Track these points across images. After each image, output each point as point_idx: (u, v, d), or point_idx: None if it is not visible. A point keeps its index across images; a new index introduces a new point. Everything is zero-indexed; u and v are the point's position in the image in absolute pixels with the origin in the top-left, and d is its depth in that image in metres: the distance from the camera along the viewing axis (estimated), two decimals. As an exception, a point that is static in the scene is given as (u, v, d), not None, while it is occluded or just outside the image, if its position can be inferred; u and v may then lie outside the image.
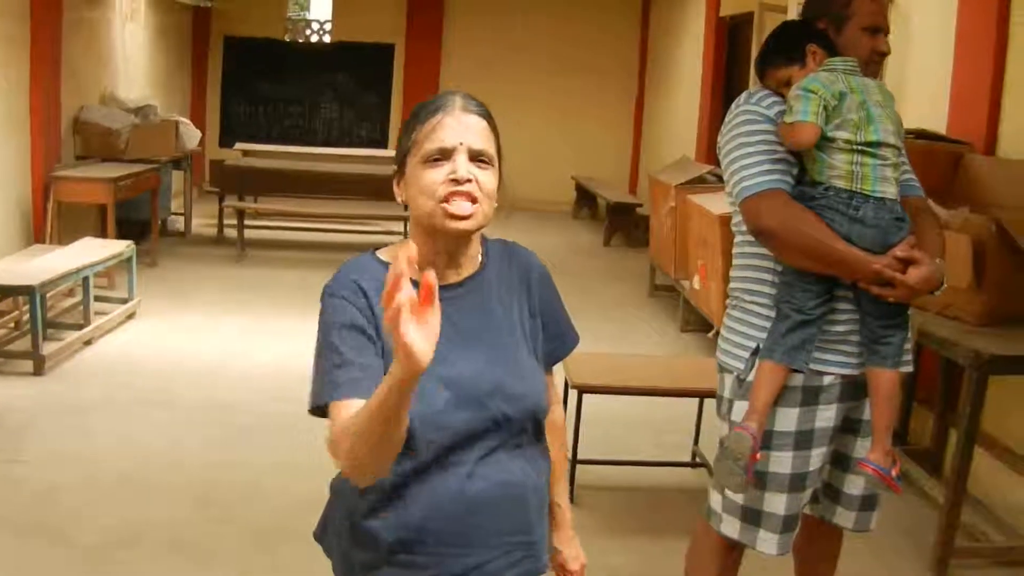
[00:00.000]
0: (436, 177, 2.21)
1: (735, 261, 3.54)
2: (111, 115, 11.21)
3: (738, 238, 3.51)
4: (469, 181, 2.20)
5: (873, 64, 3.47)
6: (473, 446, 2.22)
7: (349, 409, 2.06)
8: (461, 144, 2.22)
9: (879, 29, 3.46)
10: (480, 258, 2.38)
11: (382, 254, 2.35)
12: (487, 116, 2.31)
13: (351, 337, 2.18)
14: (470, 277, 2.34)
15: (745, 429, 3.24)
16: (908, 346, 3.39)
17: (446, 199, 2.20)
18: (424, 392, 2.13)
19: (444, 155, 2.22)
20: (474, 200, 2.21)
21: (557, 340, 2.50)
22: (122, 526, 4.95)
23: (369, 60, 17.15)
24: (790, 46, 3.42)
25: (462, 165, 2.21)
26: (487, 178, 2.25)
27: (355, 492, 2.25)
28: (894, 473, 3.28)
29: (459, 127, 2.24)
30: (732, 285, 3.54)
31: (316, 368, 2.20)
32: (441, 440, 2.17)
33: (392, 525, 2.22)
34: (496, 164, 2.29)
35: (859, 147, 3.21)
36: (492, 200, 2.27)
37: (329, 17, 17.41)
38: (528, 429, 2.33)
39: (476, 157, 2.24)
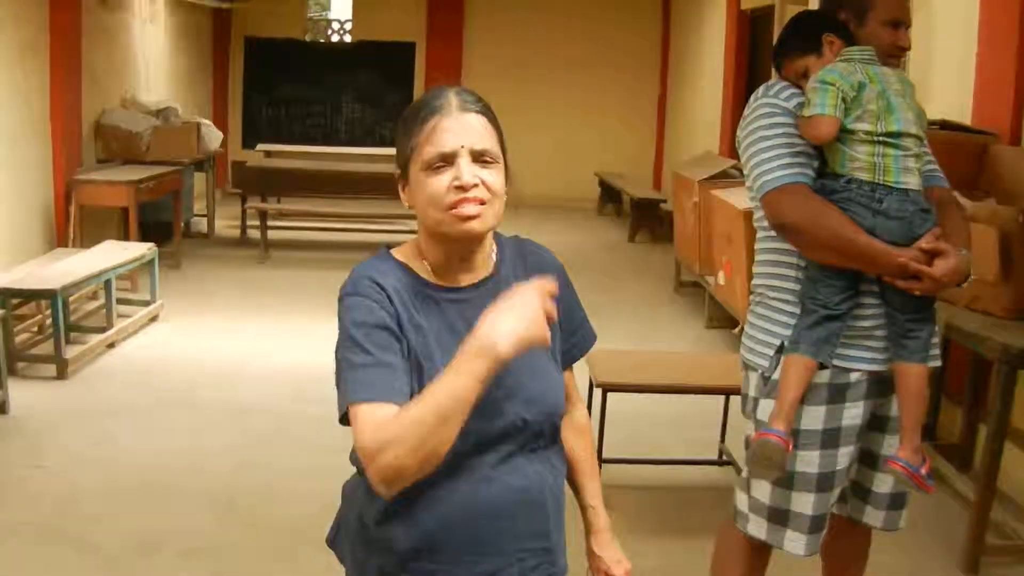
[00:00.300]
0: (440, 184, 2.13)
1: (758, 257, 3.49)
2: (132, 118, 11.22)
3: (760, 233, 3.46)
4: (476, 186, 2.13)
5: (893, 58, 3.42)
6: (489, 451, 2.17)
7: (379, 413, 2.00)
8: (462, 147, 2.13)
9: (900, 23, 3.40)
10: (494, 257, 2.31)
11: (397, 254, 2.29)
12: (486, 112, 2.21)
13: (377, 335, 2.11)
14: (484, 279, 2.28)
15: (770, 435, 3.18)
16: (936, 340, 3.33)
17: (453, 206, 2.13)
18: None
19: (446, 160, 2.13)
20: (482, 202, 2.14)
21: (575, 338, 2.44)
22: (143, 532, 4.93)
23: (390, 59, 17.13)
24: (807, 36, 3.38)
25: (466, 170, 2.12)
26: (493, 177, 2.17)
27: (368, 497, 2.21)
28: (924, 471, 3.22)
29: (458, 128, 2.14)
30: (755, 281, 3.48)
31: (340, 372, 2.13)
32: (458, 446, 2.10)
33: (406, 531, 2.18)
34: (501, 160, 2.21)
35: (880, 138, 3.16)
36: (501, 199, 2.20)
37: (349, 16, 17.40)
38: (545, 432, 2.27)
39: (479, 157, 2.15)
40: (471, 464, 2.15)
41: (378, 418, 1.99)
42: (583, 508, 2.49)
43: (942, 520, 5.19)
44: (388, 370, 2.08)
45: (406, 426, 1.93)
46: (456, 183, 2.12)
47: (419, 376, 2.13)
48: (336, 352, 2.15)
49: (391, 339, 2.12)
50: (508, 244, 2.37)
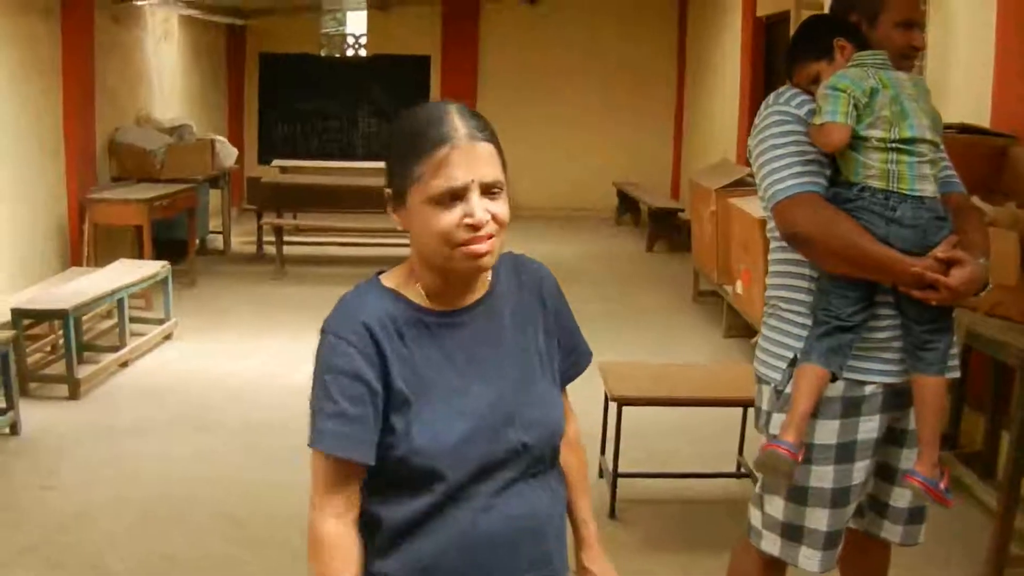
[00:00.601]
0: (449, 220, 2.03)
1: (771, 268, 3.42)
2: (146, 136, 11.22)
3: (773, 244, 3.39)
4: (487, 222, 2.04)
5: (907, 60, 3.35)
6: (490, 479, 2.11)
7: (333, 488, 2.08)
8: (473, 181, 2.03)
9: (913, 23, 3.34)
10: (489, 276, 2.24)
11: (387, 280, 2.21)
12: (493, 138, 2.10)
13: (348, 385, 2.06)
14: (480, 299, 2.21)
15: (779, 447, 3.11)
16: (954, 351, 3.25)
17: (464, 243, 2.04)
18: (439, 426, 2.06)
19: (456, 195, 2.03)
20: (491, 236, 2.06)
21: (572, 357, 2.37)
22: (156, 552, 4.89)
23: (406, 72, 17.07)
24: (818, 41, 3.32)
25: (478, 207, 2.03)
26: (501, 208, 2.07)
27: (365, 531, 2.15)
28: (943, 485, 3.14)
29: (468, 161, 2.03)
30: (769, 293, 3.42)
31: (311, 406, 2.11)
32: (457, 475, 2.06)
33: (403, 564, 2.11)
34: (505, 186, 2.11)
35: (894, 145, 3.08)
36: (506, 227, 2.11)
37: (364, 31, 17.38)
38: (546, 457, 2.21)
39: (488, 190, 2.05)
40: (471, 493, 2.09)
41: (329, 493, 2.08)
42: (575, 523, 2.42)
43: (965, 530, 5.10)
44: (351, 423, 2.05)
45: (320, 555, 2.07)
46: (468, 221, 2.03)
47: (406, 412, 2.08)
48: (312, 381, 2.12)
49: (363, 390, 2.07)
50: (502, 260, 2.28)
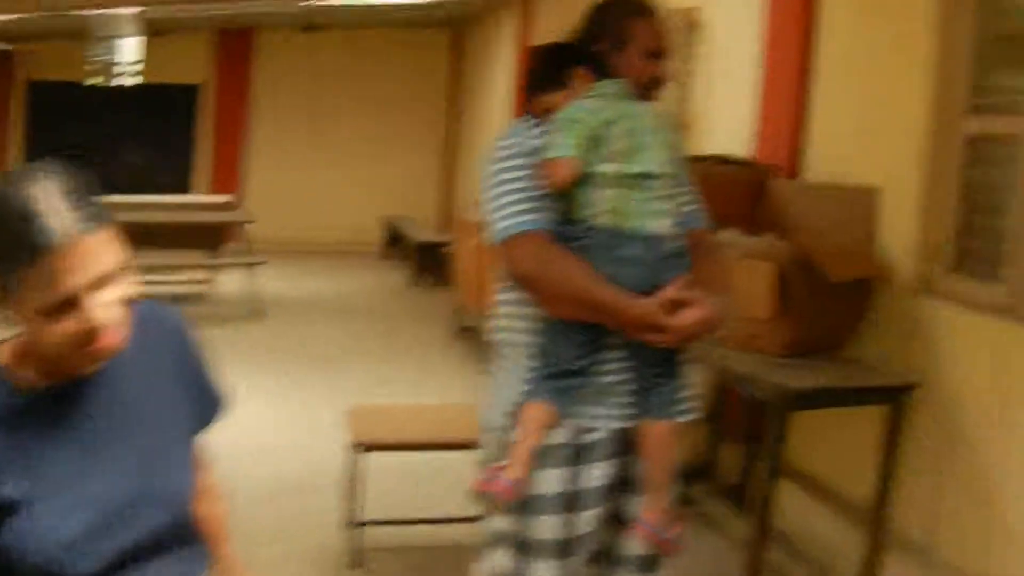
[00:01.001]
0: (64, 331, 1.75)
1: (498, 309, 3.25)
2: None
3: (500, 284, 3.22)
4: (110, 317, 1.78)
5: (651, 90, 3.25)
6: (123, 566, 1.87)
7: None
8: (86, 282, 1.73)
9: (659, 54, 3.24)
10: None
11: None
12: (102, 215, 1.78)
13: None
14: (102, 367, 1.92)
15: (491, 485, 2.95)
16: (686, 394, 3.11)
17: (86, 344, 1.77)
18: (58, 522, 1.79)
19: (68, 302, 1.73)
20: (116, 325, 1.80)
21: (205, 407, 2.17)
22: None
23: (175, 102, 16.62)
24: (555, 69, 3.15)
25: (96, 310, 1.75)
26: (124, 288, 1.81)
27: None
28: (671, 534, 3.00)
29: (78, 262, 1.71)
30: (495, 336, 3.24)
31: None
32: (88, 569, 1.82)
33: None
34: (127, 258, 1.83)
35: (626, 180, 2.93)
36: (134, 298, 1.85)
37: (137, 58, 16.85)
38: (188, 525, 2.01)
39: (104, 280, 1.77)
40: None
41: None
42: (219, 561, 2.23)
43: (718, 566, 5.02)
44: None
45: None
46: (87, 326, 1.76)
47: (19, 510, 1.80)
48: None
49: None
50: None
